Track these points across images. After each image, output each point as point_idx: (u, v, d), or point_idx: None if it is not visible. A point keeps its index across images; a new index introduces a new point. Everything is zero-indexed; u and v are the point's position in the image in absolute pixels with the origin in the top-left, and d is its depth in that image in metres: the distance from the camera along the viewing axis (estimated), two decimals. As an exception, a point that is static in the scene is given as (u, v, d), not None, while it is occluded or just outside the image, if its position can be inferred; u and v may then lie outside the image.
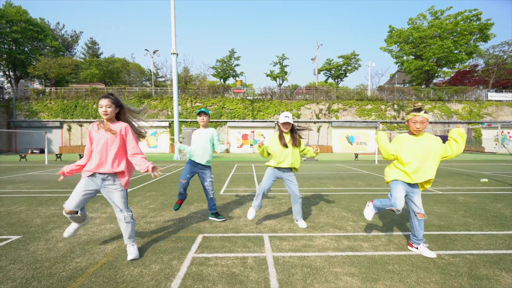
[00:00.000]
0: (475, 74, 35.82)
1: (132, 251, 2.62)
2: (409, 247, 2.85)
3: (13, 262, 2.55)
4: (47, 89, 27.98)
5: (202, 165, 3.73)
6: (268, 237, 3.20)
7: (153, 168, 2.44)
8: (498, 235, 3.27)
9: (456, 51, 28.10)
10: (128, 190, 6.23)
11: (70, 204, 2.44)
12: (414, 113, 2.63)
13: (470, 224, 3.70)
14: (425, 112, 2.62)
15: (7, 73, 32.19)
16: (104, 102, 2.47)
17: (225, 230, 3.46)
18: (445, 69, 31.55)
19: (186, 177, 3.71)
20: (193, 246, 2.94)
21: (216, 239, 3.13)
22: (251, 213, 3.57)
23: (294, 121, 20.84)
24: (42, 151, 24.45)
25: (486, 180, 7.48)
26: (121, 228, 2.64)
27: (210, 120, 26.28)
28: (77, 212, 2.51)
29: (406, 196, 2.74)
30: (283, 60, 33.23)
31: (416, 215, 2.70)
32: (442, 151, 2.66)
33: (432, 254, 2.65)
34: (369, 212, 2.92)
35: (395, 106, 27.22)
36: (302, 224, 3.58)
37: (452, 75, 36.18)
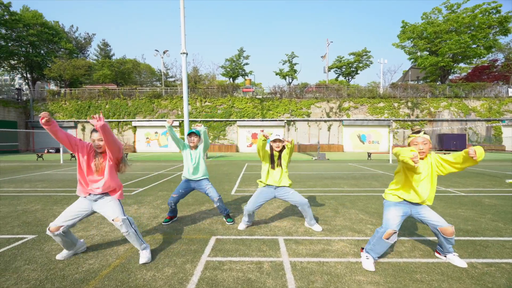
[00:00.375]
0: (494, 70, 34.33)
1: (144, 255, 2.54)
2: (436, 254, 2.66)
3: (28, 262, 2.52)
4: (62, 90, 28.73)
5: (197, 180, 3.66)
6: (283, 240, 3.07)
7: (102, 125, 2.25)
8: (534, 242, 3.01)
9: (473, 46, 26.98)
10: (140, 189, 6.23)
11: (60, 220, 2.45)
12: (414, 135, 2.43)
13: (501, 229, 3.45)
14: (424, 133, 2.41)
15: (24, 75, 33.32)
16: (96, 136, 2.45)
17: (239, 232, 3.35)
18: (461, 64, 30.37)
19: (179, 192, 3.63)
20: (206, 249, 2.84)
21: (229, 242, 3.03)
22: (241, 226, 3.48)
23: (304, 120, 20.40)
24: (57, 151, 25.15)
25: (511, 181, 7.08)
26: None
27: (220, 119, 26.31)
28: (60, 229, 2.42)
29: (411, 216, 2.52)
30: (293, 58, 32.89)
31: (439, 231, 2.41)
32: (436, 170, 2.43)
33: (463, 264, 2.44)
34: (368, 264, 2.40)
35: (409, 104, 26.42)
36: (317, 227, 3.42)
37: (469, 71, 34.82)
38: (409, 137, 2.50)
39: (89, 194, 2.54)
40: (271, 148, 3.35)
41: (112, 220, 2.47)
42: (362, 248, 2.63)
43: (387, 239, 2.35)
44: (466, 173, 8.90)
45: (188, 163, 3.65)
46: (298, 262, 2.54)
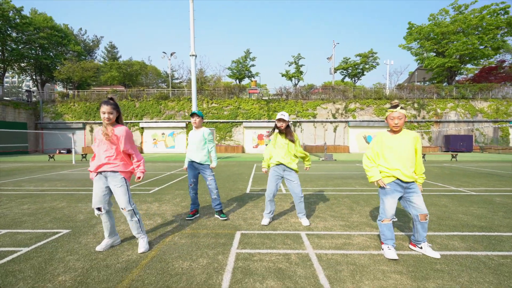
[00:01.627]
0: (502, 71, 34.04)
1: (141, 244, 2.76)
2: (410, 246, 2.80)
3: (70, 253, 2.71)
4: (71, 92, 29.25)
5: (199, 163, 3.85)
6: (305, 235, 3.22)
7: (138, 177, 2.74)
8: (548, 237, 3.12)
9: (481, 47, 26.83)
10: (157, 188, 6.43)
11: (93, 203, 2.69)
12: (391, 110, 2.57)
13: (514, 225, 3.55)
14: (401, 108, 2.55)
15: (34, 77, 34.01)
16: (106, 108, 2.60)
17: (261, 227, 3.51)
18: (469, 65, 30.18)
19: (191, 181, 3.89)
20: (233, 242, 3.01)
21: (254, 236, 3.19)
22: (264, 221, 3.65)
23: (310, 121, 20.59)
24: (69, 151, 25.62)
25: (521, 181, 7.13)
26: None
27: (227, 120, 26.53)
28: (101, 209, 2.69)
29: (401, 199, 2.66)
30: (299, 59, 33.03)
31: (418, 218, 2.56)
32: (418, 144, 2.60)
33: (436, 255, 2.57)
34: (391, 253, 2.55)
35: (415, 105, 26.36)
36: (305, 221, 3.60)
37: (476, 71, 34.58)
38: (386, 111, 2.64)
39: (100, 172, 2.69)
40: (276, 127, 3.62)
41: (121, 208, 2.68)
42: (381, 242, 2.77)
43: (386, 223, 2.60)
44: (475, 174, 8.94)
45: (190, 144, 3.91)
46: (323, 254, 2.69)
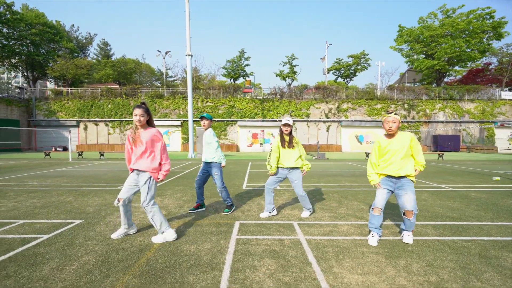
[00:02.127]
0: (488, 73, 35.26)
1: (157, 236, 3.04)
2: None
3: (87, 239, 3.03)
4: (64, 90, 29.00)
5: (208, 162, 4.19)
6: (297, 224, 3.61)
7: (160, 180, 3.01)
8: (508, 226, 3.59)
9: (468, 50, 27.79)
10: (158, 185, 6.74)
11: (121, 193, 2.98)
12: (386, 115, 2.99)
13: (482, 216, 4.02)
14: (395, 114, 2.97)
15: (26, 73, 33.52)
16: (138, 111, 2.89)
17: (258, 218, 3.89)
18: (456, 67, 31.18)
19: (199, 175, 4.24)
20: (233, 230, 3.37)
21: (251, 225, 3.56)
22: (264, 214, 3.99)
23: (304, 120, 21.08)
24: (64, 149, 25.52)
25: (498, 178, 7.70)
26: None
27: (222, 119, 26.79)
28: (120, 200, 2.96)
29: (394, 193, 3.02)
30: (293, 60, 33.48)
31: (404, 213, 2.93)
32: (413, 142, 2.95)
33: (410, 240, 2.95)
34: (373, 240, 2.93)
35: (405, 106, 27.16)
36: (304, 214, 3.98)
37: (464, 73, 35.71)
38: (383, 116, 3.05)
39: (133, 170, 3.00)
40: (281, 132, 3.91)
41: (143, 201, 2.92)
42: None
43: (376, 214, 2.97)
44: (458, 172, 9.53)
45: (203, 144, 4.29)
46: (312, 239, 3.08)
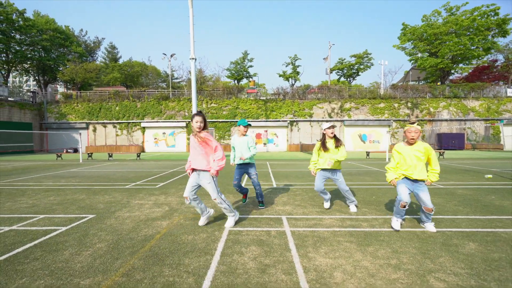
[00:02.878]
0: (494, 70, 34.80)
1: (229, 220, 3.67)
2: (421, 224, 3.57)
3: (100, 230, 3.49)
4: (74, 93, 29.97)
5: (245, 164, 4.56)
6: (286, 218, 4.00)
7: (216, 172, 3.41)
8: (480, 219, 3.90)
9: (472, 47, 27.58)
10: (162, 184, 7.21)
11: (185, 192, 3.49)
12: (410, 125, 3.36)
13: (459, 211, 4.33)
14: (417, 125, 3.36)
15: (37, 78, 34.72)
16: (199, 118, 3.37)
17: (251, 213, 4.29)
18: (461, 65, 30.93)
19: (236, 178, 4.54)
20: (228, 223, 3.78)
21: (244, 219, 3.96)
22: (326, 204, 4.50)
23: (307, 120, 21.34)
24: (75, 151, 26.47)
25: (490, 176, 7.90)
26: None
27: (226, 120, 27.29)
28: (187, 199, 3.45)
29: (412, 192, 3.43)
30: (295, 60, 33.73)
31: (423, 209, 3.34)
32: (429, 153, 3.35)
33: (433, 229, 3.37)
34: (396, 223, 3.44)
35: (409, 104, 27.13)
36: (352, 208, 4.34)
37: (470, 71, 35.35)
38: (405, 126, 3.46)
39: (194, 170, 3.48)
40: (324, 136, 4.25)
41: (213, 197, 3.44)
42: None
43: (403, 207, 3.33)
44: (454, 170, 9.73)
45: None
46: (296, 230, 3.47)
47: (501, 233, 3.32)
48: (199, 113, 3.41)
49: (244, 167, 4.58)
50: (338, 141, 4.22)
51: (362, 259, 2.64)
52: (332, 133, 4.20)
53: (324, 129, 4.24)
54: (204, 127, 3.47)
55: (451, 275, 2.32)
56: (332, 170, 4.26)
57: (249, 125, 4.62)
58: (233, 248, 2.92)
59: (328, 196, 4.47)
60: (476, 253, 2.74)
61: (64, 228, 3.57)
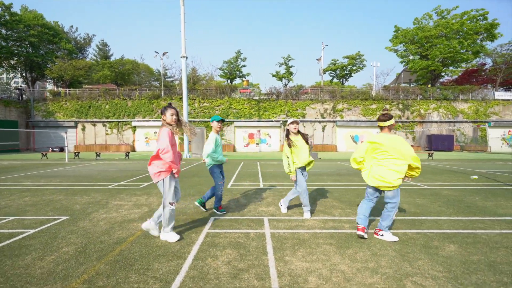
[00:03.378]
0: (483, 73, 35.55)
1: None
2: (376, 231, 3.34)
3: (70, 233, 3.31)
4: (62, 90, 29.28)
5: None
6: (267, 220, 3.89)
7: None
8: (462, 220, 3.87)
9: (462, 51, 28.09)
10: (146, 184, 7.02)
11: (175, 198, 3.16)
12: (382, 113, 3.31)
13: (442, 212, 4.31)
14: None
15: (24, 74, 33.80)
16: (174, 111, 3.05)
17: (233, 215, 4.17)
18: (451, 68, 31.48)
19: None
20: (207, 225, 3.65)
21: (225, 221, 3.84)
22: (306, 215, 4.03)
23: (300, 121, 21.21)
24: (61, 150, 25.80)
25: (476, 177, 7.97)
26: None
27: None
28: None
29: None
30: (289, 61, 33.75)
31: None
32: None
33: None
34: (389, 236, 3.12)
35: (400, 106, 27.44)
36: (306, 215, 4.03)
37: (459, 74, 36.02)
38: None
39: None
40: (288, 132, 4.08)
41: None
42: (376, 232, 3.20)
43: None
44: (441, 171, 9.81)
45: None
46: (276, 232, 3.36)
47: (481, 234, 3.29)
48: (170, 105, 3.15)
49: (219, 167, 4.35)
50: (304, 136, 4.13)
51: (340, 262, 2.55)
52: (295, 128, 4.06)
53: (288, 125, 4.11)
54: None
55: (428, 279, 2.25)
56: (304, 168, 4.14)
57: (223, 120, 4.25)
58: (208, 251, 2.79)
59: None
60: (456, 256, 2.68)
61: (32, 231, 3.38)
